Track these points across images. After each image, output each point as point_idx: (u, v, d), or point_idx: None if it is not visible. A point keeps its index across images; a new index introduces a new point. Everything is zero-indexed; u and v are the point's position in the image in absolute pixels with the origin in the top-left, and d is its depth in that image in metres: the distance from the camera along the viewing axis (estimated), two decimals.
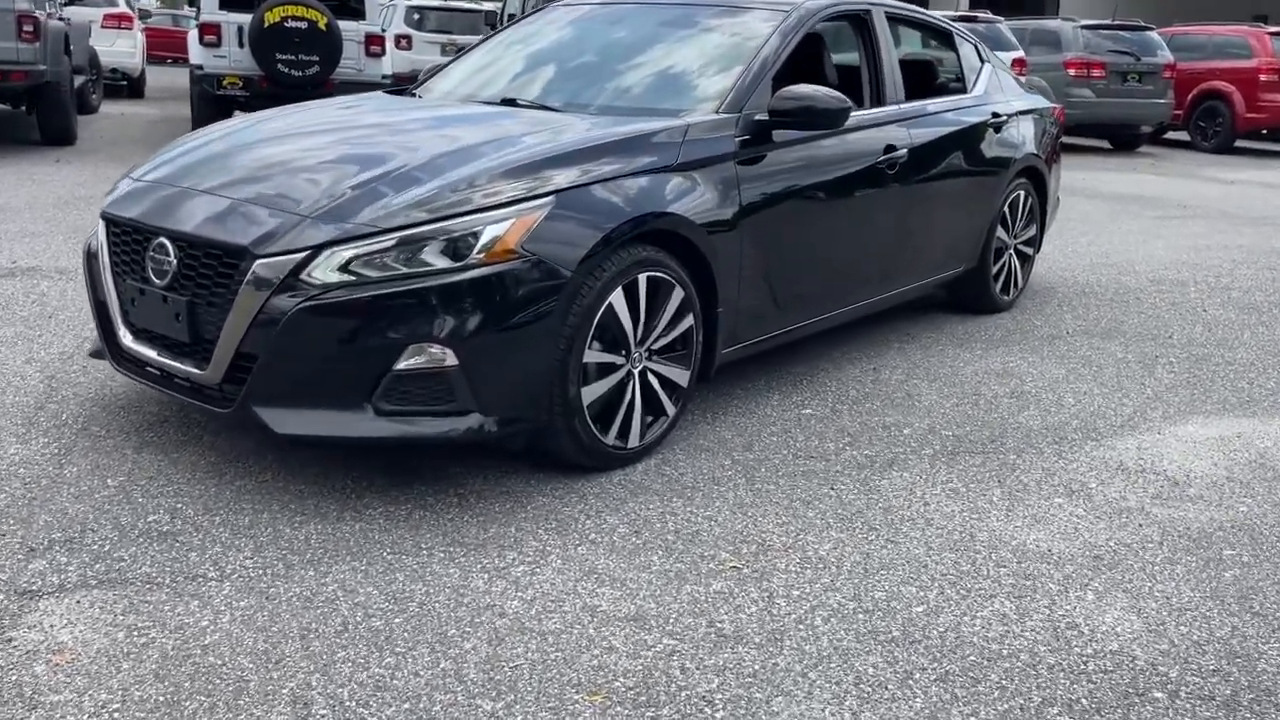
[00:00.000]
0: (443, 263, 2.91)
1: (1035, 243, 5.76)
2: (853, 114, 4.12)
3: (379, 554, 2.83)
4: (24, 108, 10.77)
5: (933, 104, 4.83)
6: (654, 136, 3.44)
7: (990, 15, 14.80)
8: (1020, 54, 13.79)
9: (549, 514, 3.11)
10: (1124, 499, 3.37)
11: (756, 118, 3.75)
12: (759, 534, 3.03)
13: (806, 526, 3.09)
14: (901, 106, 4.59)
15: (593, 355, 3.20)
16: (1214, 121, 15.73)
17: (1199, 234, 8.36)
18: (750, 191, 3.67)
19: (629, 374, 3.35)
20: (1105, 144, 16.00)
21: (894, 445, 3.73)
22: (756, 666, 2.40)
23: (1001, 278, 5.49)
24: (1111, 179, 11.76)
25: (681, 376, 3.56)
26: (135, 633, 2.42)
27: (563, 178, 3.13)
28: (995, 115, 5.20)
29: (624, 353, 3.32)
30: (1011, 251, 5.54)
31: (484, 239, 2.94)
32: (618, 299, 3.21)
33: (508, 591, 2.68)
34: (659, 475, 3.40)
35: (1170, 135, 17.16)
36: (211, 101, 10.81)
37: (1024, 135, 5.38)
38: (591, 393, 3.22)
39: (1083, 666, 2.45)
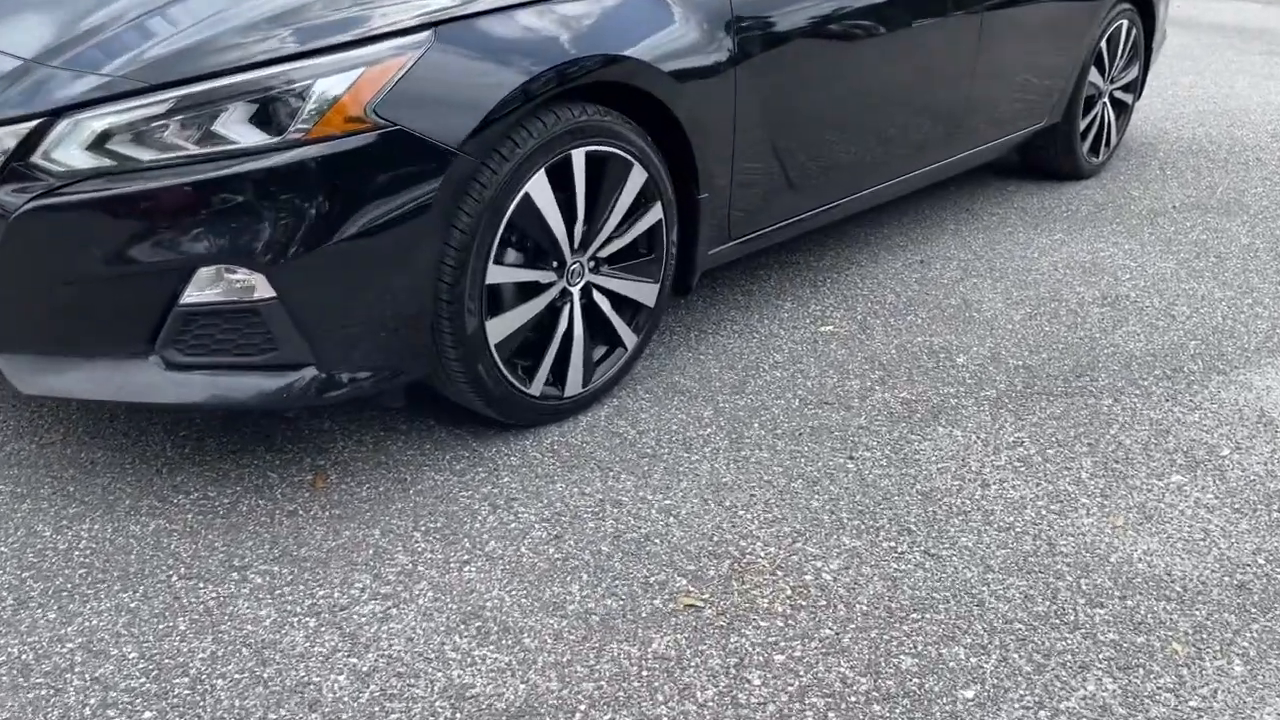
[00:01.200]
0: (249, 137, 1.88)
1: (1136, 88, 4.54)
2: None
3: (165, 578, 1.92)
4: None
5: None
6: None
7: None
8: None
9: (437, 503, 2.16)
10: (1274, 473, 2.36)
11: None
12: (737, 541, 2.08)
13: (808, 527, 2.12)
14: None
15: (503, 272, 2.19)
16: None
17: None
18: (751, 21, 2.56)
19: (564, 294, 2.35)
20: None
21: (942, 382, 2.71)
22: None
23: (1091, 135, 4.32)
24: (1212, 7, 10.16)
25: (646, 292, 2.54)
26: None
27: (446, 1, 2.06)
28: None
29: (554, 265, 2.31)
30: (1106, 100, 4.34)
31: (313, 100, 1.89)
32: (539, 187, 2.18)
33: (337, 655, 1.76)
34: (608, 436, 2.43)
35: None
36: None
37: None
38: (503, 325, 2.23)
39: None
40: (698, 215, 2.60)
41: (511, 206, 2.14)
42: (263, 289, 1.91)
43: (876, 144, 3.14)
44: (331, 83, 1.90)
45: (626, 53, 2.26)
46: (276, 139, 1.88)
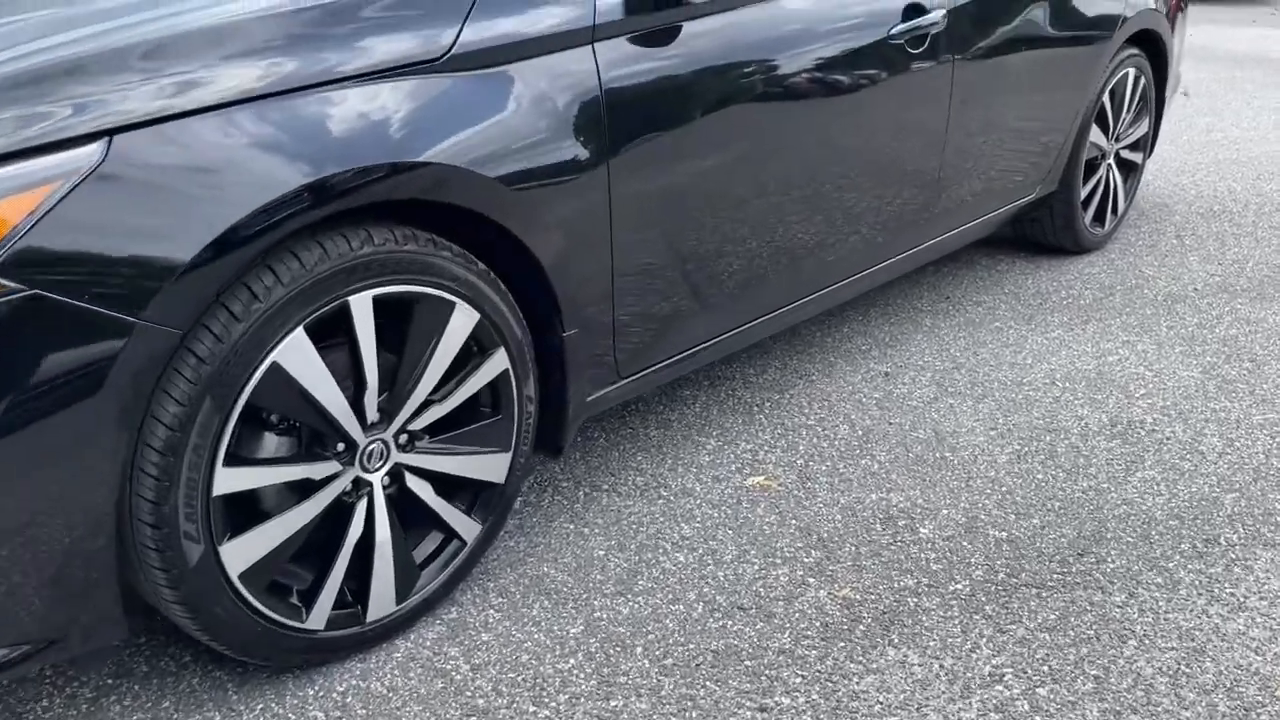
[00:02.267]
0: None
1: (1146, 145, 3.88)
2: None
3: None
4: None
5: None
6: (401, 1, 1.68)
7: None
8: None
9: None
10: None
11: None
12: None
13: None
14: None
15: (241, 476, 1.54)
16: None
17: None
18: (631, 94, 1.92)
19: (358, 486, 1.70)
20: None
21: (899, 569, 2.04)
22: None
23: (1095, 202, 3.66)
24: (1227, 34, 9.51)
25: (491, 466, 1.88)
26: None
27: (140, 97, 1.41)
28: None
29: (338, 450, 1.65)
30: (1111, 162, 3.69)
31: None
32: (296, 351, 1.53)
33: None
34: (429, 676, 1.76)
35: None
36: None
37: None
38: (252, 547, 1.57)
39: None
40: (563, 357, 1.94)
41: (251, 383, 1.49)
42: None
43: (820, 239, 2.48)
44: None
45: (427, 156, 1.61)
46: None
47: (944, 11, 2.61)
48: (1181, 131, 5.54)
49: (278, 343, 1.50)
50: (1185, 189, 4.52)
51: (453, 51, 1.69)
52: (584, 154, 1.85)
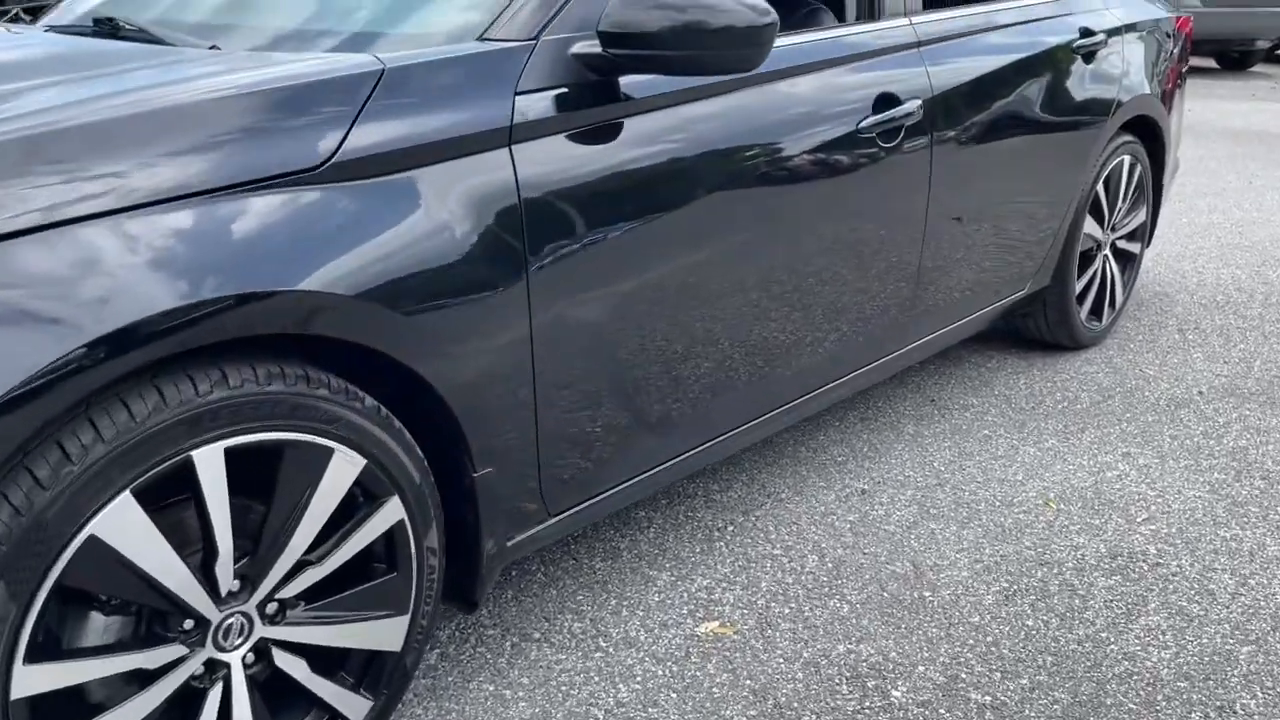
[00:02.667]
0: None
1: (1145, 235, 3.66)
2: (809, 35, 2.16)
3: None
4: None
5: (974, 13, 2.74)
6: (271, 100, 1.45)
7: None
8: None
9: None
10: None
11: (576, 49, 1.74)
12: None
13: None
14: (916, 21, 2.52)
15: (50, 673, 1.27)
16: None
17: None
18: (554, 197, 1.69)
19: (212, 669, 1.43)
20: (1211, 62, 13.42)
21: None
22: None
23: (1091, 295, 3.42)
24: (1225, 109, 9.37)
25: (384, 633, 1.62)
26: None
27: None
28: (1085, 32, 3.08)
29: (185, 630, 1.39)
30: (1107, 252, 3.46)
31: None
32: (119, 520, 1.27)
33: None
34: None
35: None
36: None
37: (1131, 64, 3.26)
38: None
39: None
40: (475, 503, 1.69)
41: (61, 563, 1.23)
42: None
43: (781, 348, 2.24)
44: None
45: (291, 284, 1.37)
46: None
47: (919, 102, 2.40)
48: (1181, 213, 5.33)
49: (96, 512, 1.24)
50: (1187, 276, 4.29)
51: (335, 159, 1.46)
52: (497, 271, 1.61)
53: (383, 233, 1.48)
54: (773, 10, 1.76)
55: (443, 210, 1.55)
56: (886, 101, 2.32)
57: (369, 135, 1.50)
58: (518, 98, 1.67)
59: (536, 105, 1.68)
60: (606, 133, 1.78)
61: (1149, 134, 3.47)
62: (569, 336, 1.74)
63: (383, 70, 1.55)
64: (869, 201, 2.31)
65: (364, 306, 1.44)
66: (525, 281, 1.65)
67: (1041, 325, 3.37)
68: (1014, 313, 3.24)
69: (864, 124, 2.25)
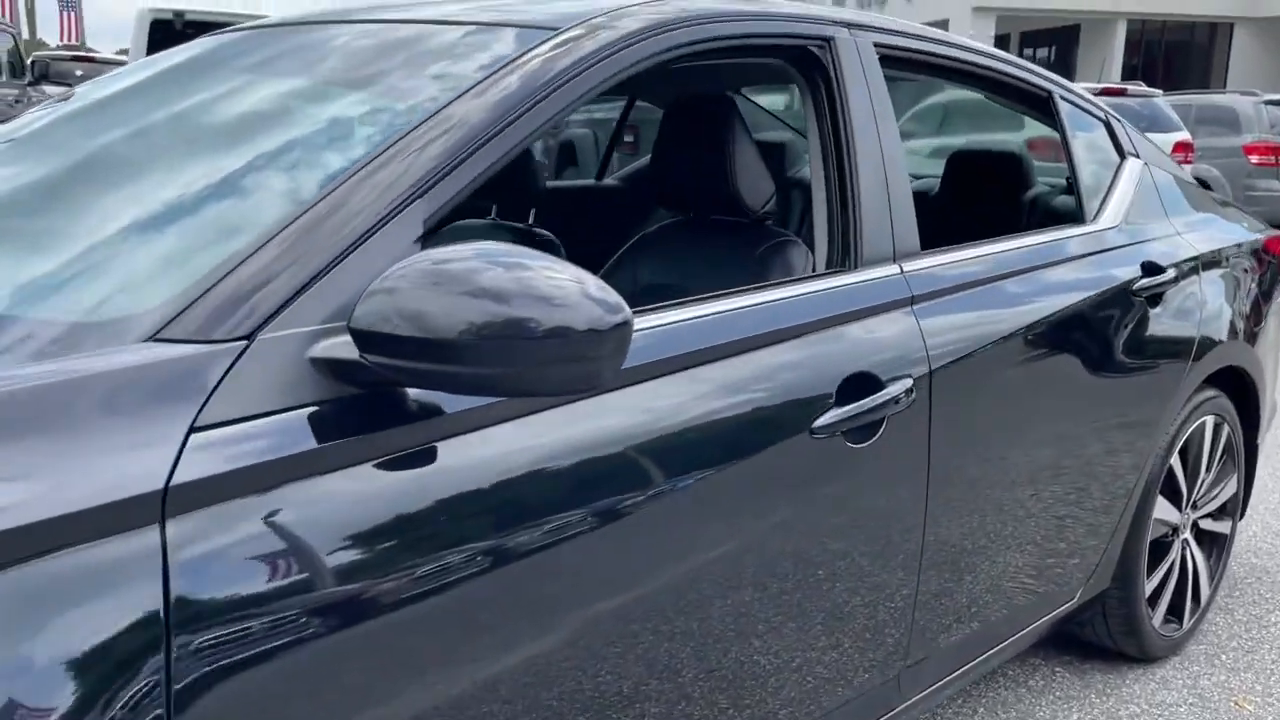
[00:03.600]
0: None
1: (1236, 508, 2.87)
2: (757, 295, 1.53)
3: None
4: None
5: (999, 251, 2.08)
6: None
7: (1145, 88, 11.74)
8: (1184, 135, 10.70)
9: None
10: None
11: (319, 351, 1.11)
12: None
13: None
14: (908, 270, 1.86)
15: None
16: None
17: None
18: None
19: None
20: None
21: None
22: None
23: (1166, 595, 2.64)
24: None
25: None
26: None
27: None
28: (1150, 269, 2.40)
29: None
30: (1187, 536, 2.69)
31: None
32: None
33: None
34: None
35: None
36: None
37: (1210, 305, 2.55)
38: None
39: None
40: None
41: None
42: None
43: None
44: None
45: None
46: None
47: (909, 384, 1.72)
48: (1264, 463, 4.50)
49: None
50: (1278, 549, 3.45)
51: None
52: None
53: None
54: (626, 307, 1.12)
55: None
56: (860, 385, 1.65)
57: None
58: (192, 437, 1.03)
59: (223, 451, 1.04)
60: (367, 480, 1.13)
61: (1238, 387, 2.74)
62: None
63: None
64: (828, 530, 1.62)
65: None
66: None
67: (1102, 632, 2.59)
68: (1068, 619, 2.47)
69: (819, 425, 1.57)
